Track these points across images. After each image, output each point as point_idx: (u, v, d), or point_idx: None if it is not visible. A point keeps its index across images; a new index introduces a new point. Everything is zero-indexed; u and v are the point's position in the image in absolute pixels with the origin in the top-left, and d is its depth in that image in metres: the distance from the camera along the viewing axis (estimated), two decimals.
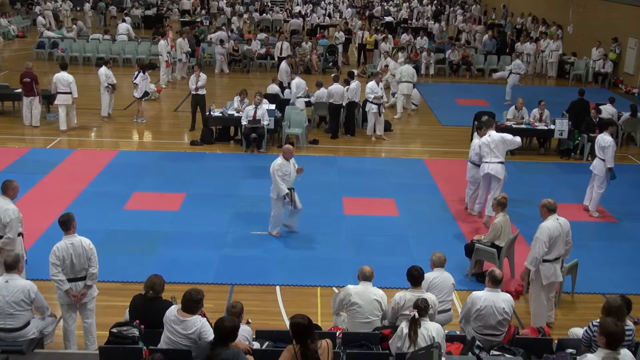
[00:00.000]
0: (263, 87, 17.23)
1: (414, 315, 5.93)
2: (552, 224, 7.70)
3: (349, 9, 35.15)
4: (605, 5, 24.20)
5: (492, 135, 10.90)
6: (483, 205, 11.22)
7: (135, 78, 16.23)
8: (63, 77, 15.18)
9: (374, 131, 15.67)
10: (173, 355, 5.67)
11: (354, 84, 15.85)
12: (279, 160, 9.98)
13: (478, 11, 36.87)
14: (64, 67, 15.65)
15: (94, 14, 35.01)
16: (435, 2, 38.71)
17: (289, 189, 9.99)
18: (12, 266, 6.39)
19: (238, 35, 26.20)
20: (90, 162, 13.37)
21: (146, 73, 16.76)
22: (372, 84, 15.44)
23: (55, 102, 15.35)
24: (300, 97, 16.02)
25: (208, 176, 12.88)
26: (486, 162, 10.86)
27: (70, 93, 15.19)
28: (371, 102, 15.35)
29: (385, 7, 37.80)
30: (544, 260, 7.76)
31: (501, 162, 10.82)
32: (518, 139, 11.12)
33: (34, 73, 15.53)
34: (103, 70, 16.26)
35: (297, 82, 16.19)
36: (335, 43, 25.31)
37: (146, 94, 16.50)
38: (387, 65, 20.00)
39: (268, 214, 11.04)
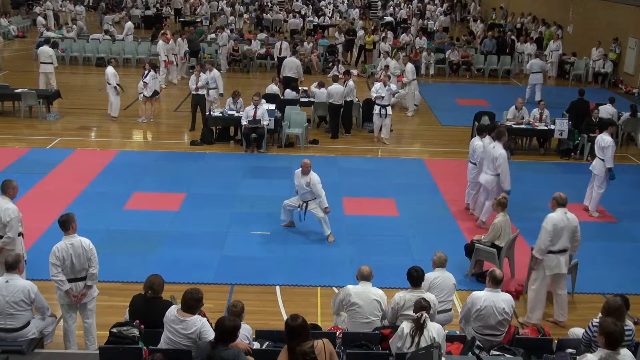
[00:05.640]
0: (263, 87, 17.20)
1: (423, 316, 5.91)
2: (558, 215, 7.89)
3: (353, 10, 35.03)
4: (605, 5, 24.18)
5: (496, 149, 10.57)
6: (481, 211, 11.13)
7: (145, 77, 16.20)
8: (45, 50, 18.21)
9: (379, 132, 15.57)
10: (173, 355, 5.67)
11: (350, 82, 15.84)
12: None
13: (477, 10, 36.82)
14: (47, 42, 19.34)
15: (92, 14, 34.84)
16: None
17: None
18: (12, 266, 6.38)
19: (238, 35, 26.18)
20: (90, 162, 13.36)
21: (157, 72, 16.83)
22: (378, 84, 15.44)
23: (40, 71, 18.14)
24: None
25: (208, 176, 12.87)
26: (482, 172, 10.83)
27: (51, 63, 18.18)
28: (375, 104, 15.30)
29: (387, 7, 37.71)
30: (548, 252, 7.86)
31: (495, 175, 10.65)
32: (507, 186, 10.53)
33: None
34: (111, 70, 16.22)
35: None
36: (335, 43, 25.29)
37: (156, 92, 16.48)
38: (387, 65, 19.96)
39: (268, 214, 11.07)
